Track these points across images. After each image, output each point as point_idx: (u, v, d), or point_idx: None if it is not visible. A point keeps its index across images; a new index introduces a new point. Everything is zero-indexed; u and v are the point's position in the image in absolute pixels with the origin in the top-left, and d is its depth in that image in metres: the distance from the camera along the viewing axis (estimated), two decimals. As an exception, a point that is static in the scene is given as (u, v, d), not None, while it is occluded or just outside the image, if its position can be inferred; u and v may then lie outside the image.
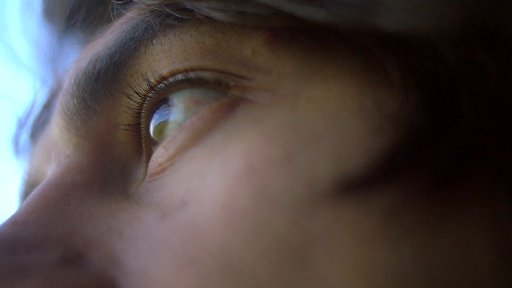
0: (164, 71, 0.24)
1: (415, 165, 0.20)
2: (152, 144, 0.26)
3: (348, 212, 0.19)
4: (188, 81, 0.24)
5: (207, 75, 0.24)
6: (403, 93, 0.21)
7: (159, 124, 0.25)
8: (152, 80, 0.25)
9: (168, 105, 0.25)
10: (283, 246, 0.19)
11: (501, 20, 0.20)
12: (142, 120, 0.26)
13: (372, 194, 0.20)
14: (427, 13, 0.20)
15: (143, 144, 0.26)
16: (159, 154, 0.24)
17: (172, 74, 0.24)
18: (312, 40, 0.23)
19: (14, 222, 0.23)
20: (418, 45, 0.21)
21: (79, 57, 0.29)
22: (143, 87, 0.25)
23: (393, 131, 0.20)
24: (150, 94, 0.25)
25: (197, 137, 0.23)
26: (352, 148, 0.20)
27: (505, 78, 0.20)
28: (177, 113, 0.24)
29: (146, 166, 0.25)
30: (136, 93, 0.25)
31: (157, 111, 0.25)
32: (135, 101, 0.25)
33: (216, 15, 0.23)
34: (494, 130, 0.20)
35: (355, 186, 0.20)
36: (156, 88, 0.25)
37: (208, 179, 0.21)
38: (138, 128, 0.26)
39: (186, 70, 0.24)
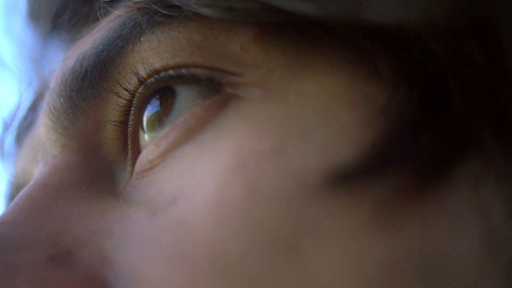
0: (157, 65, 0.24)
1: (405, 157, 0.20)
2: (139, 141, 0.25)
3: (339, 204, 0.19)
4: (180, 77, 0.24)
5: (199, 72, 0.23)
6: (393, 86, 0.21)
7: (151, 116, 0.25)
8: (142, 73, 0.24)
9: (166, 97, 0.25)
10: (274, 240, 0.19)
11: (489, 12, 0.21)
12: (131, 117, 0.25)
13: (363, 186, 0.20)
14: (416, 5, 0.20)
15: (128, 142, 0.26)
16: (149, 151, 0.24)
17: (164, 69, 0.24)
18: (301, 35, 0.23)
19: (1, 222, 0.23)
20: (407, 37, 0.21)
21: (66, 56, 0.28)
22: (132, 82, 0.25)
23: (383, 123, 0.20)
24: (139, 90, 0.25)
25: (189, 134, 0.23)
26: (342, 141, 0.20)
27: (494, 69, 0.21)
28: (183, 103, 0.24)
29: (132, 164, 0.25)
30: (126, 89, 0.25)
31: (149, 103, 0.25)
32: (124, 99, 0.25)
33: (204, 11, 0.23)
34: (483, 120, 0.20)
35: (346, 178, 0.20)
36: (145, 83, 0.24)
37: (198, 175, 0.21)
38: (125, 125, 0.26)
39: (179, 66, 0.24)
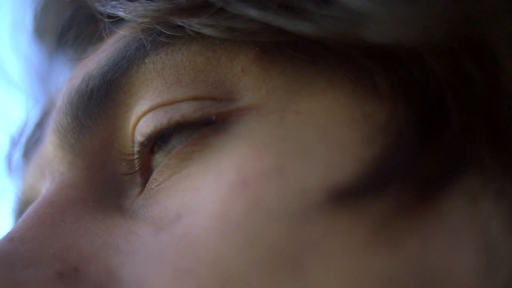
0: (143, 138, 0.25)
1: (404, 174, 0.20)
2: (148, 161, 0.26)
3: (341, 221, 0.20)
4: (178, 124, 0.24)
5: (191, 113, 0.24)
6: (391, 103, 0.21)
7: None
8: (140, 138, 0.25)
9: None
10: (277, 256, 0.20)
11: (485, 31, 0.21)
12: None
13: (364, 203, 0.20)
14: (414, 25, 0.20)
15: (136, 164, 0.26)
16: (158, 173, 0.24)
17: (153, 109, 0.24)
18: (300, 54, 0.23)
19: (10, 239, 0.23)
20: (405, 56, 0.21)
21: (72, 75, 0.29)
22: (131, 149, 0.26)
23: (383, 141, 0.21)
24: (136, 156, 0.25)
25: (191, 156, 0.23)
26: (342, 158, 0.21)
27: (490, 86, 0.21)
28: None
29: (141, 184, 0.25)
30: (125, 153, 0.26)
31: None
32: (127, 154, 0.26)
33: (207, 30, 0.23)
34: (481, 137, 0.21)
35: (347, 195, 0.20)
36: (144, 143, 0.25)
37: (202, 193, 0.22)
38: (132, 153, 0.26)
39: (170, 103, 0.24)
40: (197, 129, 0.24)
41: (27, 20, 0.37)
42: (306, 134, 0.22)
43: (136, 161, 0.25)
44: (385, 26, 0.20)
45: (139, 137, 0.25)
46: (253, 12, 0.22)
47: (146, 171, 0.25)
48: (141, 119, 0.25)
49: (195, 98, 0.24)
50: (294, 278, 0.19)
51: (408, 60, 0.21)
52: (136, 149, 0.25)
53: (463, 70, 0.21)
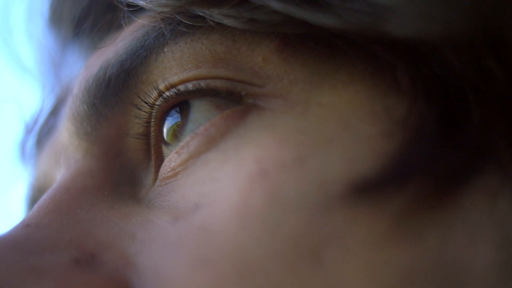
0: (175, 78, 0.25)
1: (425, 168, 0.20)
2: (161, 150, 0.26)
3: (361, 213, 0.20)
4: (200, 91, 0.24)
5: (218, 84, 0.24)
6: (412, 98, 0.21)
7: (171, 126, 0.25)
8: (161, 86, 0.25)
9: (184, 108, 0.25)
10: (297, 247, 0.20)
11: (506, 27, 0.21)
12: (152, 128, 0.26)
13: (384, 196, 0.20)
14: (436, 19, 0.20)
15: (152, 151, 0.26)
16: (172, 159, 0.24)
17: (182, 82, 0.24)
18: (322, 47, 0.23)
19: (26, 225, 0.24)
20: (426, 51, 0.21)
21: (89, 63, 0.29)
22: (152, 96, 0.25)
23: (403, 135, 0.21)
24: (158, 102, 0.25)
25: (210, 142, 0.23)
26: (363, 151, 0.21)
27: (511, 82, 0.21)
28: (197, 114, 0.25)
29: (156, 172, 0.26)
30: (145, 102, 0.25)
31: (169, 115, 0.25)
32: (144, 111, 0.26)
33: (228, 21, 0.23)
34: (501, 132, 0.21)
35: (368, 188, 0.20)
36: (164, 95, 0.25)
37: (221, 182, 0.22)
38: (147, 136, 0.26)
39: (197, 79, 0.24)
40: (221, 108, 0.24)
41: (44, 7, 0.37)
42: (328, 127, 0.22)
43: (151, 140, 0.26)
44: (407, 20, 0.20)
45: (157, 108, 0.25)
46: (275, 4, 0.22)
47: (160, 157, 0.26)
48: (163, 94, 0.25)
49: (216, 78, 0.24)
50: (313, 268, 0.19)
51: (429, 55, 0.21)
52: (152, 120, 0.26)
53: (484, 65, 0.21)
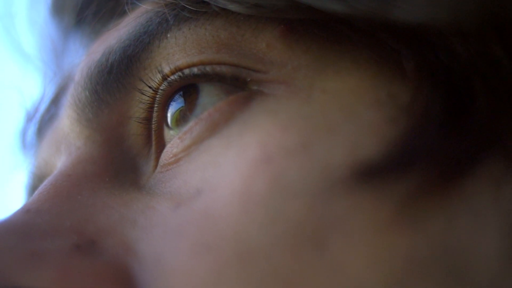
0: (180, 62, 0.24)
1: (429, 154, 0.20)
2: (163, 136, 0.26)
3: (365, 199, 0.20)
4: (205, 75, 0.24)
5: (224, 69, 0.24)
6: (417, 85, 0.21)
7: (175, 111, 0.25)
8: (166, 70, 0.25)
9: (188, 93, 0.25)
10: (300, 233, 0.20)
11: None
12: (155, 114, 0.26)
13: (388, 182, 0.20)
14: (444, 6, 0.20)
15: (153, 137, 0.26)
16: (174, 145, 0.24)
17: (188, 66, 0.24)
18: (326, 33, 0.23)
19: (27, 210, 0.23)
20: (432, 38, 0.21)
21: (91, 50, 0.29)
22: (155, 80, 0.25)
23: (407, 121, 0.21)
24: (162, 87, 0.25)
25: (214, 128, 0.23)
26: (367, 137, 0.21)
27: None
28: (205, 98, 0.24)
29: (156, 158, 0.25)
30: (149, 87, 0.25)
31: (173, 99, 0.25)
32: (147, 96, 0.25)
33: (232, 6, 0.23)
34: (506, 120, 0.21)
35: (371, 173, 0.20)
36: (169, 79, 0.25)
37: (224, 168, 0.22)
38: (149, 122, 0.26)
39: (203, 64, 0.24)
40: (225, 94, 0.23)
41: (46, -6, 0.37)
42: (332, 113, 0.21)
43: (153, 126, 0.26)
44: (415, 6, 0.20)
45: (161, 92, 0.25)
46: None
47: (161, 142, 0.25)
48: (168, 77, 0.25)
49: (221, 63, 0.24)
50: (316, 254, 0.19)
51: (435, 42, 0.21)
52: (156, 106, 0.25)
53: (490, 53, 0.21)
